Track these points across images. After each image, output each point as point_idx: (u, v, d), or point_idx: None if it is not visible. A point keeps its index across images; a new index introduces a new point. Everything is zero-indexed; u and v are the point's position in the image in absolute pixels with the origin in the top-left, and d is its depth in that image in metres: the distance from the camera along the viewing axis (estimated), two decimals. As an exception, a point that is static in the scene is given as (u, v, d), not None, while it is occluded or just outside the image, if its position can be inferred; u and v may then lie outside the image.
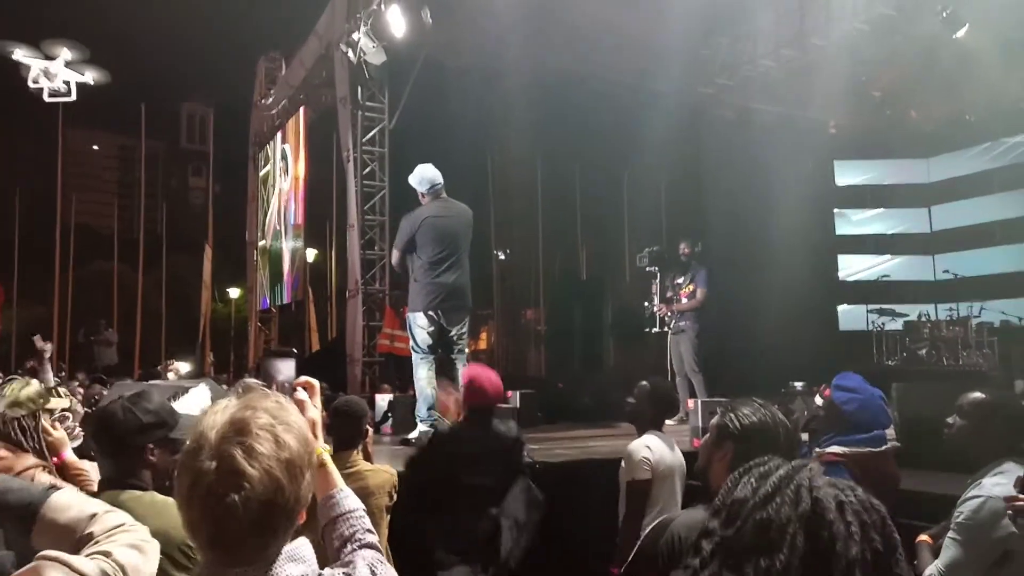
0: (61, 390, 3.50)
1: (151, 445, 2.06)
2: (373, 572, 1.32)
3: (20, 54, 10.49)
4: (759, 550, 0.87)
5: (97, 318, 15.19)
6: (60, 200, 22.87)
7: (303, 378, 1.63)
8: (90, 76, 10.90)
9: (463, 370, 3.90)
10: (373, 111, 9.96)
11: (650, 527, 1.97)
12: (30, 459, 2.69)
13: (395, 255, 5.77)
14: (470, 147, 12.46)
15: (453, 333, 5.58)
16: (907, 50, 10.01)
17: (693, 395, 6.92)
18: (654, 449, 3.47)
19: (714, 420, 2.00)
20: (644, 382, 3.72)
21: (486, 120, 12.51)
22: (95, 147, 58.25)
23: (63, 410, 3.27)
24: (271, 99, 14.75)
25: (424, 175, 5.68)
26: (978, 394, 2.55)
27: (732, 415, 1.94)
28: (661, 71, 10.18)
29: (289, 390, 1.58)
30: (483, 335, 20.82)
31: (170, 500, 1.95)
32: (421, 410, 5.46)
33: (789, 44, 10.27)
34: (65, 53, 10.59)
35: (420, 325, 5.47)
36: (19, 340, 20.15)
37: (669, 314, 7.67)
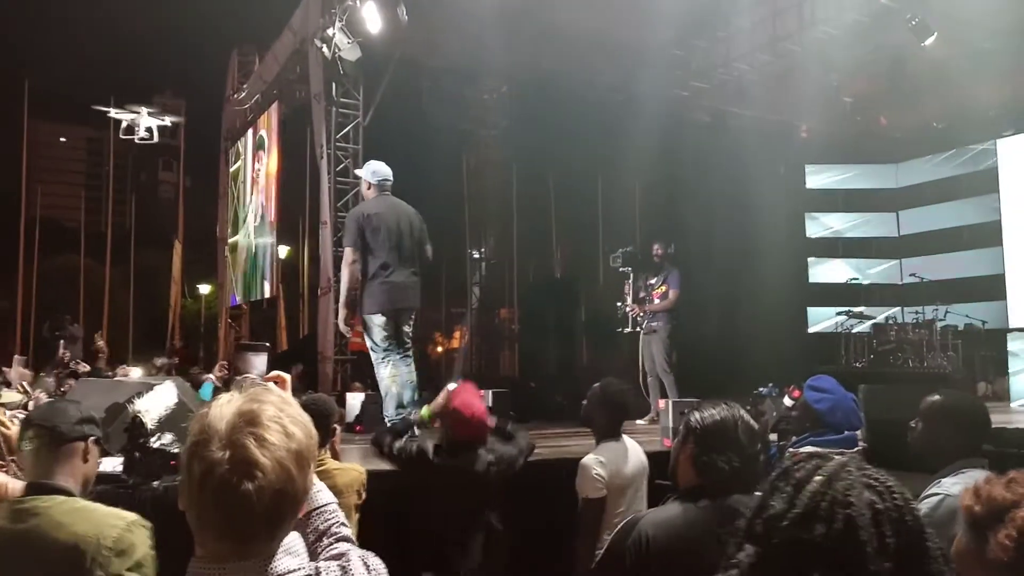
0: (25, 385, 3.44)
1: (84, 447, 2.02)
2: (366, 565, 1.32)
3: (113, 112, 14.68)
4: (793, 570, 0.88)
5: (62, 313, 14.90)
6: (25, 192, 22.42)
7: (274, 372, 1.66)
8: (168, 120, 14.95)
9: (451, 390, 3.70)
10: (347, 108, 9.88)
11: (619, 526, 1.99)
12: (-11, 459, 2.64)
13: (349, 254, 5.44)
14: (445, 146, 12.45)
15: (407, 332, 5.53)
16: (878, 57, 10.17)
17: (664, 396, 6.94)
18: (607, 463, 3.33)
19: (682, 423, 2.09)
20: (596, 384, 3.57)
21: (461, 119, 12.49)
22: (62, 139, 57.17)
23: (24, 405, 3.22)
24: (244, 93, 14.55)
25: (376, 168, 5.58)
26: (935, 397, 2.57)
27: (696, 414, 2.03)
28: (637, 73, 10.23)
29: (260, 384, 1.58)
30: (456, 334, 20.76)
31: (91, 504, 1.92)
32: (389, 409, 5.37)
33: (763, 49, 10.39)
34: (145, 110, 14.59)
35: (378, 325, 5.39)
36: (-19, 335, 19.70)
37: (641, 314, 7.70)
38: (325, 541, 1.43)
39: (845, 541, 0.86)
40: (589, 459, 3.36)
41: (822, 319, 12.27)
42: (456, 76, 11.69)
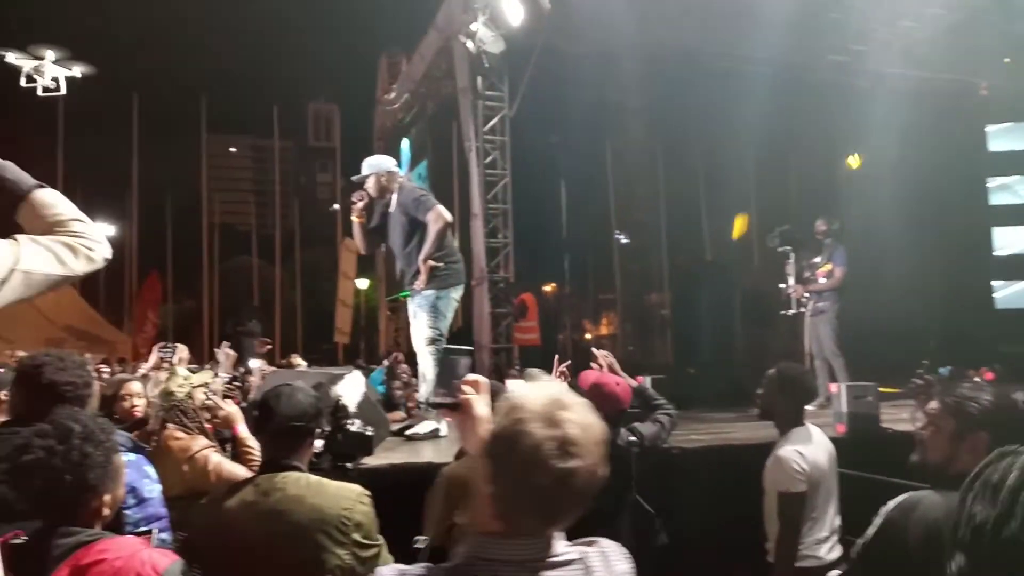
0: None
1: (315, 430, 2.18)
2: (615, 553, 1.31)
3: (12, 57, 10.88)
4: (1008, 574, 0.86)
5: (241, 310, 16.18)
6: (206, 202, 24.60)
7: (470, 376, 1.54)
8: (77, 70, 11.16)
9: (581, 375, 3.62)
10: (493, 100, 10.06)
11: (896, 501, 1.84)
12: (203, 440, 2.94)
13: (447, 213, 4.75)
14: (589, 131, 12.39)
15: None
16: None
17: (834, 379, 6.59)
18: (807, 455, 3.11)
19: (941, 409, 1.87)
20: (772, 370, 3.35)
21: (604, 103, 12.38)
22: (232, 149, 62.11)
23: (227, 383, 3.56)
24: (393, 94, 15.19)
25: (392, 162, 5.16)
26: None
27: (970, 402, 1.81)
28: (788, 42, 9.68)
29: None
30: (605, 320, 20.67)
31: (324, 480, 2.07)
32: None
33: (934, 2, 9.54)
34: (50, 54, 10.94)
35: (455, 300, 4.77)
36: (176, 333, 21.87)
37: (806, 295, 7.33)
38: None
39: None
40: (787, 451, 3.12)
41: (1012, 294, 11.13)
42: (597, 60, 11.59)
